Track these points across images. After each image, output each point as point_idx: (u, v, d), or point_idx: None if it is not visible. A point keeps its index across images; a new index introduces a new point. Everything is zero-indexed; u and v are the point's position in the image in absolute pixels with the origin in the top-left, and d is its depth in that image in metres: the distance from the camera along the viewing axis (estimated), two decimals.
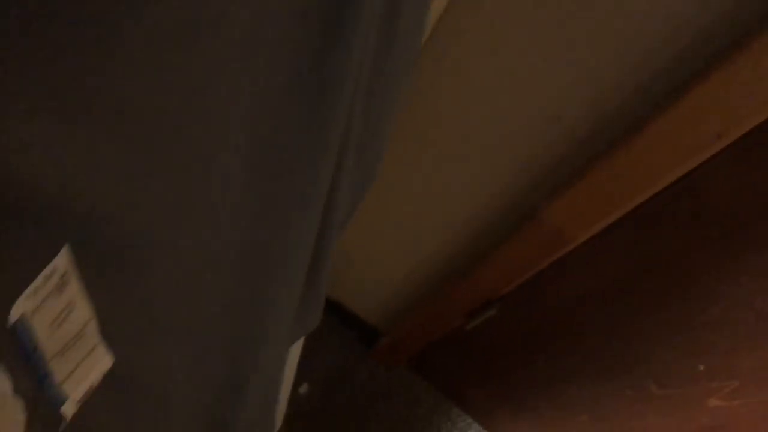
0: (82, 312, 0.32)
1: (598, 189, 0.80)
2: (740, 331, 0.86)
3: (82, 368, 0.35)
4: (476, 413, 1.52)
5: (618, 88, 0.74)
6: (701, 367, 0.95)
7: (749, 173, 0.71)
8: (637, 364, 1.04)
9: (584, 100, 0.76)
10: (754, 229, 0.74)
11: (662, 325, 0.95)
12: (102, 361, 0.36)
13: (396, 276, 1.33)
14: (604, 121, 0.77)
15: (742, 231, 0.75)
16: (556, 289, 1.04)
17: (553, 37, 0.73)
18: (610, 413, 1.17)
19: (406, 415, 1.51)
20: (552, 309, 1.08)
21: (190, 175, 0.32)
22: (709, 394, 0.98)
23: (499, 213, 0.96)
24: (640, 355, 1.02)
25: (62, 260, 0.28)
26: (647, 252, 0.88)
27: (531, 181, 0.88)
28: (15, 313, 0.27)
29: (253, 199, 0.42)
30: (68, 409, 0.35)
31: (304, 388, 1.52)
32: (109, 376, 0.38)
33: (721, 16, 0.64)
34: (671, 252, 0.85)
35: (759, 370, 0.90)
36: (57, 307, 0.29)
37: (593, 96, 0.75)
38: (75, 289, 0.30)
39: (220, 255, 0.43)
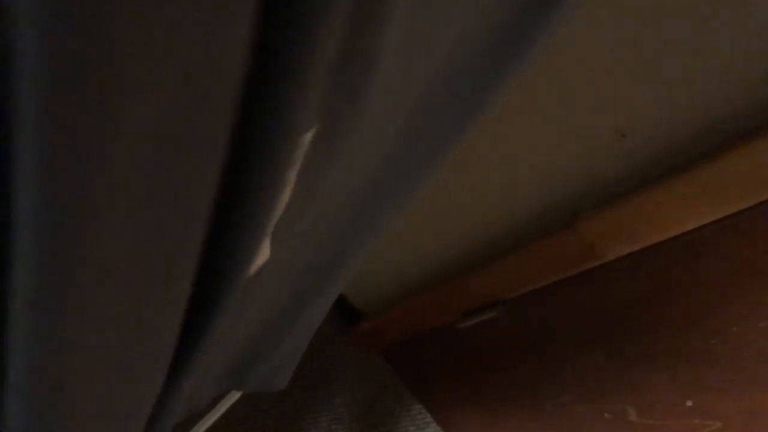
0: (286, 195, 0.32)
1: (645, 212, 0.82)
2: (740, 372, 0.90)
3: None
4: (438, 414, 1.53)
5: (692, 120, 0.76)
6: (689, 403, 0.99)
7: None
8: (623, 389, 1.08)
9: (655, 123, 0.78)
10: None
11: (662, 354, 0.98)
12: (263, 253, 0.36)
13: (396, 263, 1.33)
14: (669, 148, 0.79)
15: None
16: (562, 303, 1.06)
17: (644, 55, 0.75)
18: None
19: (369, 401, 1.52)
20: (552, 322, 1.11)
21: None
22: (690, 430, 1.02)
23: (533, 215, 0.98)
24: (631, 380, 1.05)
25: (309, 134, 0.28)
26: (666, 280, 0.91)
27: (576, 189, 0.90)
28: None
29: (409, 129, 0.43)
30: None
31: None
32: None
33: None
34: (691, 283, 0.88)
35: (746, 413, 0.93)
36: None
37: (665, 122, 0.78)
38: (294, 172, 0.30)
39: (363, 171, 0.43)
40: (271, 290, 0.49)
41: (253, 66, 0.22)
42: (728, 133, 0.74)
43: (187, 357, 0.40)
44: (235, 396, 1.39)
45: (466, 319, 1.19)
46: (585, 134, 0.85)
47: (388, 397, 1.53)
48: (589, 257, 0.92)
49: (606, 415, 1.13)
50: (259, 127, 0.25)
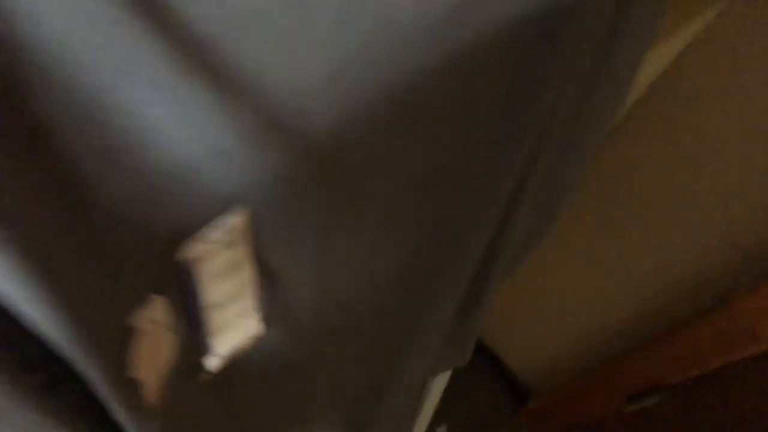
0: (245, 273, 0.34)
1: None
2: None
3: (232, 328, 0.37)
4: None
5: None
6: None
7: None
8: None
9: None
10: None
11: None
12: (251, 328, 0.38)
13: (562, 340, 1.27)
14: None
15: None
16: (732, 390, 0.93)
17: None
18: None
19: None
20: (721, 411, 0.97)
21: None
22: None
23: (688, 293, 0.89)
24: None
25: (235, 219, 0.30)
26: None
27: (734, 263, 0.80)
28: (182, 254, 0.29)
29: (431, 209, 0.43)
30: (212, 362, 0.37)
31: (442, 428, 1.49)
32: (263, 347, 0.40)
33: None
34: None
35: None
36: (222, 261, 0.32)
37: None
38: (243, 251, 0.32)
39: (391, 253, 0.44)
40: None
41: None
42: None
43: None
44: None
45: (630, 404, 1.09)
46: (737, 198, 0.76)
47: None
48: (751, 339, 0.81)
49: None
50: None
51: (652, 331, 1.00)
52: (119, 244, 0.25)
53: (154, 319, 0.29)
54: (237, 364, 0.41)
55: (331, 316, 0.46)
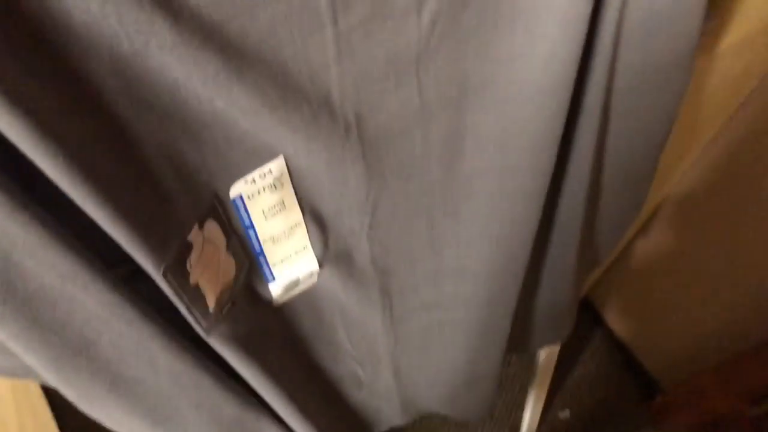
0: (294, 214, 0.42)
1: None
2: None
3: (291, 261, 0.45)
4: None
5: None
6: None
7: None
8: None
9: None
10: None
11: None
12: (309, 263, 0.46)
13: (690, 336, 1.24)
14: None
15: None
16: None
17: None
18: None
19: None
20: None
21: None
22: None
23: None
24: None
25: (277, 165, 0.38)
26: None
27: None
28: (234, 191, 0.38)
29: None
30: (275, 289, 0.46)
31: (565, 414, 1.50)
32: (320, 287, 0.49)
33: None
34: None
35: None
36: (270, 201, 0.40)
37: None
38: (288, 192, 0.41)
39: None
40: None
41: None
42: None
43: None
44: None
45: (753, 407, 1.06)
46: None
47: None
48: None
49: None
50: None
51: None
52: (167, 177, 0.34)
53: (209, 238, 0.38)
54: (300, 298, 0.50)
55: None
